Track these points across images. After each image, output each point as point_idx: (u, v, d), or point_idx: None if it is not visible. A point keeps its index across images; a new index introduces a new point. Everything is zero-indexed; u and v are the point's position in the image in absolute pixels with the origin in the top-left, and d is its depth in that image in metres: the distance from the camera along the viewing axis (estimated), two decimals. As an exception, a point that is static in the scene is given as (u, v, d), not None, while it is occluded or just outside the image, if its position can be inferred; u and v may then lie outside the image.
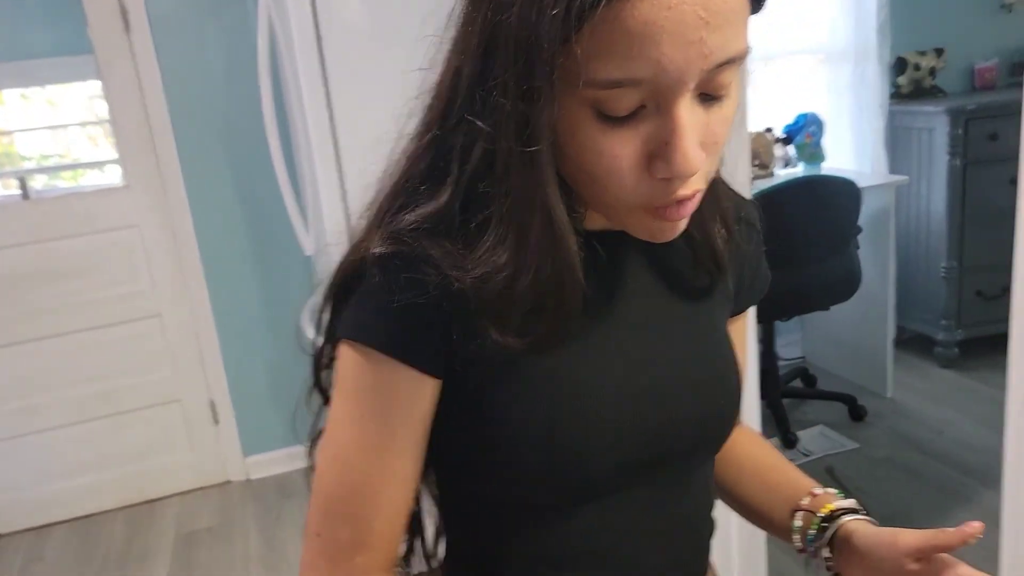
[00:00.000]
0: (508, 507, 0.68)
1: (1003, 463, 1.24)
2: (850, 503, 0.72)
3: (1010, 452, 1.19)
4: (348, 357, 0.63)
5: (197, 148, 2.77)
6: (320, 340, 0.69)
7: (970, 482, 2.53)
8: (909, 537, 0.63)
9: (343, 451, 0.63)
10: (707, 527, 0.77)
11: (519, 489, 0.65)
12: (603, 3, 0.48)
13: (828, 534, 0.70)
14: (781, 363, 3.40)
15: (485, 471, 0.66)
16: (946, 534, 0.60)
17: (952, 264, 3.23)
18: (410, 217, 0.61)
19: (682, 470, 0.71)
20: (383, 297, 0.60)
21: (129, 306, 2.85)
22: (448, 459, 0.70)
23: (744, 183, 1.78)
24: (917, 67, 3.42)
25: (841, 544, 0.69)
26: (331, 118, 1.87)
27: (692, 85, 0.51)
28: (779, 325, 3.48)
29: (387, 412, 0.62)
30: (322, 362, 0.70)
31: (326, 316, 0.67)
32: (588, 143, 0.54)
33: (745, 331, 0.83)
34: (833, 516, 0.71)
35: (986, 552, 2.06)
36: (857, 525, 0.69)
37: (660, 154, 0.53)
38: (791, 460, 2.77)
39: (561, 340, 0.62)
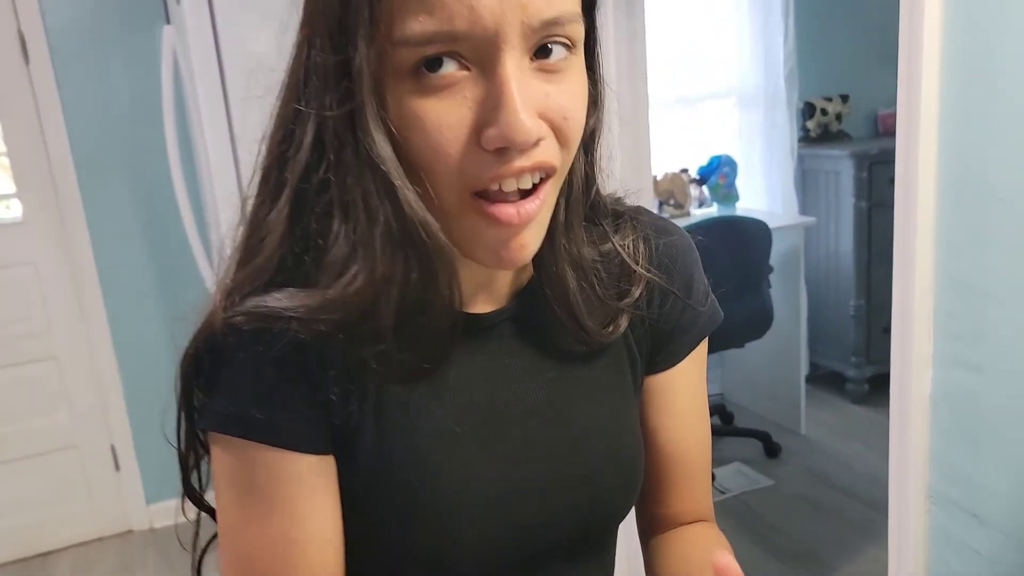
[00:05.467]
0: None
1: (888, 492, 1.27)
2: None
3: (893, 484, 1.22)
4: (224, 452, 0.55)
5: (99, 183, 2.67)
6: (182, 438, 0.59)
7: (876, 516, 2.57)
8: None
9: (248, 561, 0.55)
10: None
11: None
12: None
13: None
14: (699, 400, 3.43)
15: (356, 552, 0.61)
16: None
17: (860, 302, 3.32)
18: (247, 271, 0.55)
19: (567, 563, 0.66)
20: (245, 374, 0.53)
21: (22, 347, 2.70)
22: None
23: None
24: (824, 112, 3.55)
25: None
26: (234, 152, 1.83)
27: (516, 42, 0.48)
28: (697, 363, 3.52)
29: (289, 505, 0.54)
30: (189, 465, 0.60)
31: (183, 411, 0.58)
32: (411, 118, 0.49)
33: (690, 381, 0.73)
34: None
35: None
36: None
37: (490, 121, 0.48)
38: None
39: (445, 365, 0.57)
